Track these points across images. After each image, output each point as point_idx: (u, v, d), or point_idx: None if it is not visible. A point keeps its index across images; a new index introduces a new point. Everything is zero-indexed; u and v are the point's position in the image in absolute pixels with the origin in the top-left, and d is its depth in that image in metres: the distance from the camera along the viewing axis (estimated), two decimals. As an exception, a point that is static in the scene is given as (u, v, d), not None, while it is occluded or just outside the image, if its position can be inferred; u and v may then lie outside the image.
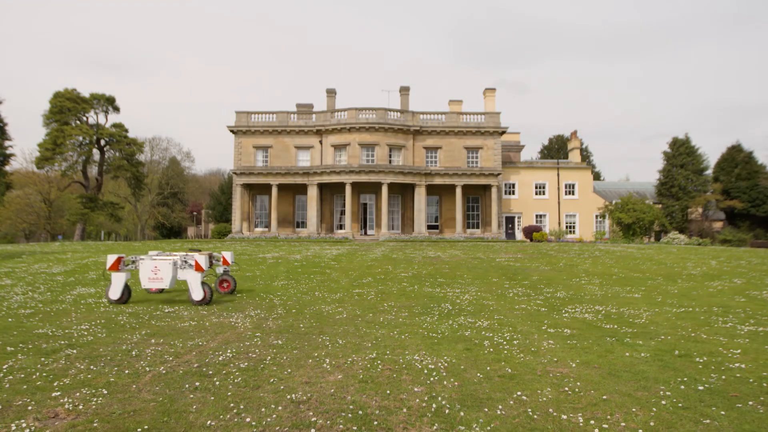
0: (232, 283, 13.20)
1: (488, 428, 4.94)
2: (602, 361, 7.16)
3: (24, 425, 4.98)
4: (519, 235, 50.76)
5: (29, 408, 5.40)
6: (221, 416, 5.21)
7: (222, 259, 13.16)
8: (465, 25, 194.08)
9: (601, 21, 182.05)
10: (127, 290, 11.84)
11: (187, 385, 6.10)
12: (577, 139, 59.32)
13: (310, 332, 8.94)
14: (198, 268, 11.57)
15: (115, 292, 11.64)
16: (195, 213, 77.38)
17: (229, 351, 7.62)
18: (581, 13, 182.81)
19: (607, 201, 51.58)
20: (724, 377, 6.44)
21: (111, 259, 11.66)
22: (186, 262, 11.82)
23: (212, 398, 5.69)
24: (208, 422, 5.07)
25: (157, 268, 11.60)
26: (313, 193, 46.28)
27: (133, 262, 12.04)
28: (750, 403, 5.57)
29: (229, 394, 5.83)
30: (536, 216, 51.66)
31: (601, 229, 51.32)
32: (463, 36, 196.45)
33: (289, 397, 5.74)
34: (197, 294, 11.54)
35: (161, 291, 13.42)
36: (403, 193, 48.35)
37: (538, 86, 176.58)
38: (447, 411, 5.34)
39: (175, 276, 11.74)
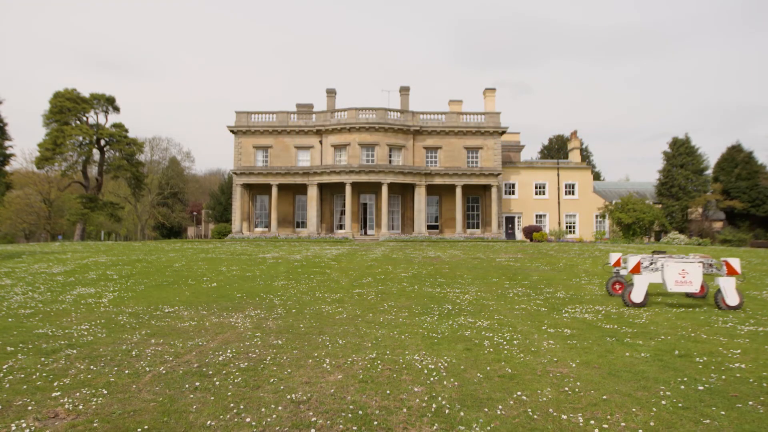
0: (740, 297, 11.38)
1: (488, 428, 4.94)
2: (602, 361, 7.16)
3: (24, 425, 4.98)
4: (519, 235, 50.76)
5: (29, 408, 5.40)
6: (221, 416, 5.21)
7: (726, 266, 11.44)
8: (465, 26, 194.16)
9: (601, 22, 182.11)
10: (646, 294, 11.48)
11: (187, 385, 6.10)
12: (577, 139, 59.32)
13: (310, 332, 8.94)
14: (732, 271, 11.08)
15: (638, 296, 11.35)
16: (195, 213, 77.38)
17: (229, 351, 7.62)
18: (581, 14, 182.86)
19: (607, 201, 51.59)
20: (724, 377, 6.44)
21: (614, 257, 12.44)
22: (712, 266, 11.49)
23: (212, 398, 5.69)
24: (208, 422, 5.07)
25: (684, 271, 11.04)
26: (313, 193, 46.28)
27: (652, 263, 11.57)
28: (750, 403, 5.57)
29: (229, 394, 5.83)
30: (536, 216, 51.65)
31: (601, 229, 51.32)
32: (463, 36, 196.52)
33: (289, 397, 5.74)
34: (734, 299, 10.98)
35: (689, 295, 12.71)
36: (403, 193, 48.35)
37: (538, 87, 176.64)
38: (447, 411, 5.34)
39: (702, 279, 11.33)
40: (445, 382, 6.25)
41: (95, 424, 5.02)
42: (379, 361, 7.13)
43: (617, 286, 13.06)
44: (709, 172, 55.16)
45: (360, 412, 5.30)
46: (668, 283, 11.06)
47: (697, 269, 11.01)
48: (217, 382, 6.22)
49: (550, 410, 5.36)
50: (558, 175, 52.08)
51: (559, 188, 51.84)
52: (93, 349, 7.70)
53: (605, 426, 4.98)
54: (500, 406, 5.45)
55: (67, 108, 53.07)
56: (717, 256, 25.44)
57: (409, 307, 11.43)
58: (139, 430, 4.89)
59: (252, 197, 49.88)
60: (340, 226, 48.43)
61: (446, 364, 6.97)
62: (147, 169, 69.08)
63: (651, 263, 11.54)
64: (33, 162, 58.22)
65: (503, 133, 49.50)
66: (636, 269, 11.32)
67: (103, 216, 58.74)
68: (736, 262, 11.11)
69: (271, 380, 6.31)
